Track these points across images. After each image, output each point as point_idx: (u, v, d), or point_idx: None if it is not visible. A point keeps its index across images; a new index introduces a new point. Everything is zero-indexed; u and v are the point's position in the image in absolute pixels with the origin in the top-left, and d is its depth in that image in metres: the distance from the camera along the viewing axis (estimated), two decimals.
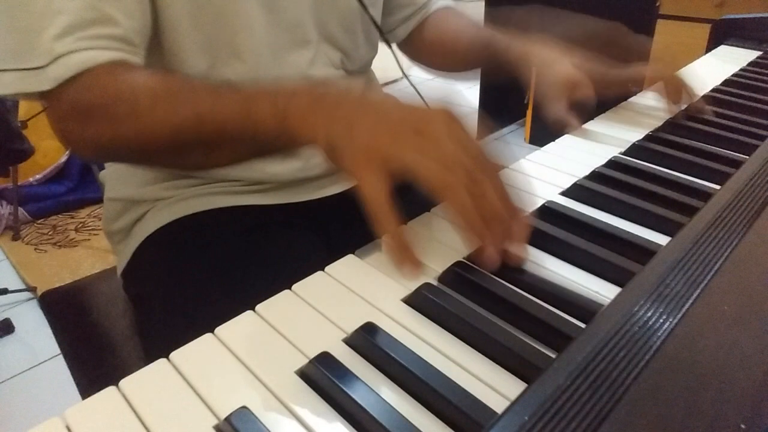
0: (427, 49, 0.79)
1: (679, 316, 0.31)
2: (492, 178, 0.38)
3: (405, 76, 0.79)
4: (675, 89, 0.65)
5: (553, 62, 0.63)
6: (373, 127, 0.39)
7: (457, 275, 0.38)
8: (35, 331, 1.54)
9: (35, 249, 1.85)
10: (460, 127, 0.40)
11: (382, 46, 0.76)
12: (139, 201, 0.64)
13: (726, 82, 0.75)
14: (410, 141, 0.38)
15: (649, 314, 0.31)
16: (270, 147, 0.47)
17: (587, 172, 0.52)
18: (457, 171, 0.37)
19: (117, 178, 0.67)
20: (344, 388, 0.29)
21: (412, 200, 0.41)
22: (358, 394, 0.29)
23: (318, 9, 0.62)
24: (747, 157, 0.52)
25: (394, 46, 0.77)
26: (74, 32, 0.47)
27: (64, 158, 2.03)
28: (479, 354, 0.32)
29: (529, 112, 2.38)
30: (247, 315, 0.35)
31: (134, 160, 0.59)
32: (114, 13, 0.48)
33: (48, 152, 2.01)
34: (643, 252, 0.39)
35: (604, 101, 0.63)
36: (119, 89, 0.48)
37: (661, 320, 0.31)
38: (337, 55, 0.66)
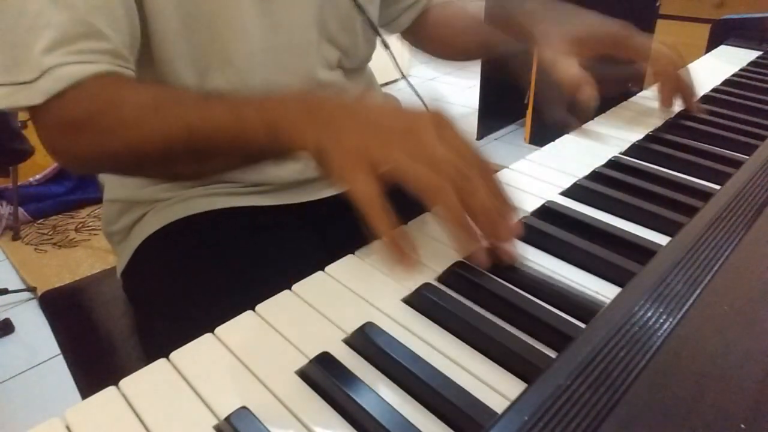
0: (432, 33, 0.80)
1: (679, 316, 0.31)
2: (485, 177, 0.39)
3: (404, 76, 0.79)
4: (671, 90, 0.64)
5: (558, 59, 0.60)
6: (362, 131, 0.39)
7: (457, 275, 0.38)
8: (35, 331, 1.54)
9: (35, 249, 1.85)
10: (452, 129, 0.40)
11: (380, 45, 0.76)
12: (138, 202, 0.64)
13: (726, 82, 0.75)
14: (399, 144, 0.38)
15: (649, 314, 0.31)
16: (260, 155, 0.47)
17: (587, 172, 0.52)
18: (446, 172, 0.37)
19: (116, 180, 0.67)
20: (344, 388, 0.29)
21: (412, 200, 0.40)
22: (358, 394, 0.29)
23: (319, 9, 0.62)
24: (747, 157, 0.52)
25: (392, 45, 0.77)
26: (63, 46, 0.47)
27: None
28: (479, 354, 0.32)
29: (529, 112, 2.38)
30: (247, 315, 0.35)
31: (123, 172, 0.59)
32: (103, 27, 0.48)
33: None
34: (643, 252, 0.39)
35: (604, 99, 0.62)
36: (108, 101, 0.48)
37: (661, 320, 0.31)
38: (336, 55, 0.66)
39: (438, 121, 0.40)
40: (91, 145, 0.49)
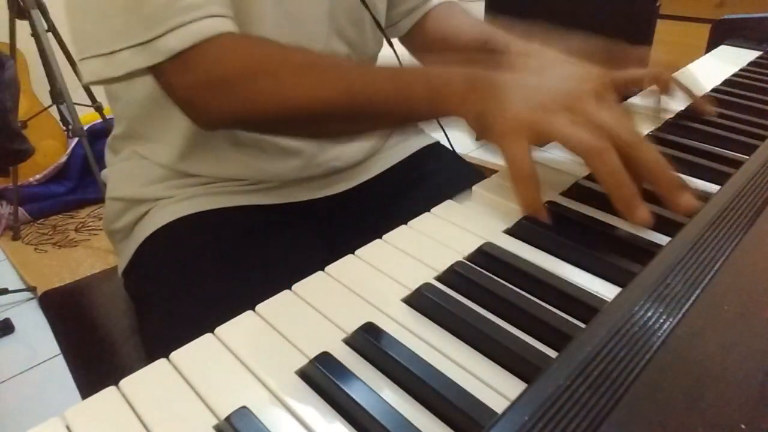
0: (429, 43, 0.79)
1: (679, 316, 0.31)
2: (641, 143, 0.42)
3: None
4: (666, 85, 0.65)
5: (549, 66, 0.62)
6: (524, 100, 0.42)
7: (457, 275, 0.38)
8: (35, 331, 1.54)
9: (35, 249, 1.85)
10: (610, 99, 0.44)
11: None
12: (141, 200, 0.64)
13: (726, 82, 0.75)
14: (561, 112, 0.41)
15: (649, 314, 0.31)
16: (414, 120, 0.53)
17: (587, 172, 0.52)
18: (606, 137, 0.40)
19: (118, 178, 0.67)
20: (344, 388, 0.29)
21: (412, 200, 0.40)
22: (358, 394, 0.29)
23: (330, 3, 0.62)
24: (747, 157, 0.52)
25: (395, 41, 0.77)
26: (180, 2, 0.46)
27: (64, 158, 2.03)
28: (479, 354, 0.32)
29: None
30: (247, 315, 0.35)
31: (266, 129, 0.58)
32: None
33: (48, 152, 2.01)
34: (643, 252, 0.39)
35: None
36: (265, 58, 0.48)
37: (661, 320, 0.31)
38: (345, 49, 0.66)
39: (596, 91, 0.43)
40: (243, 102, 0.49)
